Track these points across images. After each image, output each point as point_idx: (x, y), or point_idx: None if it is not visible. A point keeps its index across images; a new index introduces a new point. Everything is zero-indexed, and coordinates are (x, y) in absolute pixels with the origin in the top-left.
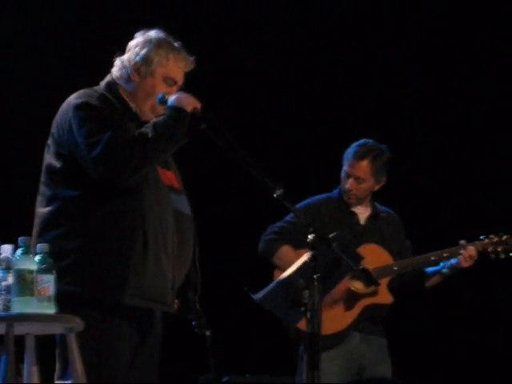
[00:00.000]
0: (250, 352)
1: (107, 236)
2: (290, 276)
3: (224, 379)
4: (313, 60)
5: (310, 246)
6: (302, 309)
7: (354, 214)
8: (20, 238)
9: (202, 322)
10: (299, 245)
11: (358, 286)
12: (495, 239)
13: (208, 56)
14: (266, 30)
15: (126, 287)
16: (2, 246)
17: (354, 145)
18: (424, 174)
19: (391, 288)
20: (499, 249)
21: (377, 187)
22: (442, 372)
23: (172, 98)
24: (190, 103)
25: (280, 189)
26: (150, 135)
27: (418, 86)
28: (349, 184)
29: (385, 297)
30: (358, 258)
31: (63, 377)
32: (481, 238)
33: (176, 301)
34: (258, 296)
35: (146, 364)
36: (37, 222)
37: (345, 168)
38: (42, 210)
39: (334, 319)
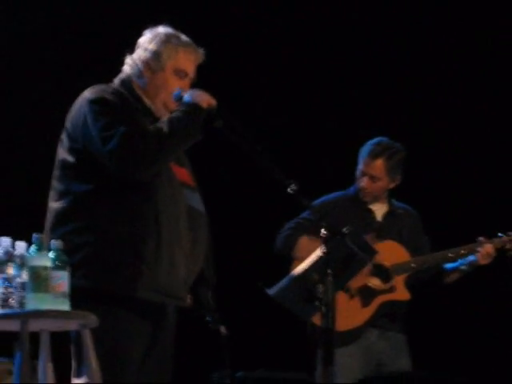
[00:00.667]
0: (264, 347)
1: (120, 230)
2: (304, 270)
3: (237, 375)
4: (328, 59)
5: (324, 241)
6: (317, 303)
7: (371, 211)
8: (34, 235)
9: (215, 317)
10: (318, 237)
11: (375, 282)
12: None
13: (220, 54)
14: (282, 31)
15: (140, 281)
16: (16, 242)
17: (369, 143)
18: (443, 171)
19: (409, 285)
20: None
21: (392, 185)
22: (461, 367)
23: (187, 95)
24: (205, 100)
25: (294, 185)
26: (165, 130)
27: (434, 82)
28: (364, 182)
29: (402, 293)
30: (372, 252)
31: (79, 374)
32: (499, 234)
33: (189, 296)
34: (272, 291)
35: (159, 358)
36: (49, 216)
37: (360, 167)
38: (54, 204)
39: (351, 315)
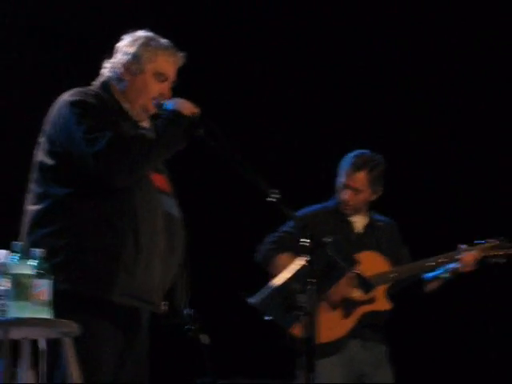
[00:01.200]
0: (246, 356)
1: (98, 234)
2: (286, 280)
3: (219, 383)
4: (309, 69)
5: (306, 250)
6: (298, 313)
7: (350, 223)
8: (15, 243)
9: (196, 326)
10: (296, 254)
11: (355, 293)
12: (495, 243)
13: (204, 60)
14: (267, 35)
15: (116, 285)
16: None
17: (350, 155)
18: (420, 180)
19: (390, 295)
20: (500, 253)
21: (374, 197)
22: (443, 378)
23: (169, 102)
24: (188, 107)
25: (277, 194)
26: (150, 137)
27: (411, 91)
28: (346, 195)
29: (382, 304)
30: (353, 262)
31: (49, 381)
32: (479, 242)
33: (164, 303)
34: (253, 300)
35: (135, 364)
36: (26, 219)
37: (341, 179)
38: (32, 207)
39: (333, 327)
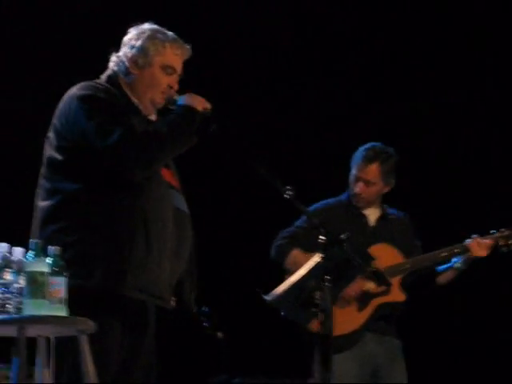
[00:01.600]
0: (262, 353)
1: (109, 229)
2: (302, 277)
3: (235, 381)
4: (320, 65)
5: (322, 247)
6: (314, 309)
7: (364, 216)
8: (31, 241)
9: (213, 323)
10: (310, 249)
11: (369, 285)
12: (506, 232)
13: (215, 58)
14: (276, 34)
15: (128, 279)
16: (14, 248)
17: (362, 148)
18: (433, 173)
19: (404, 286)
20: (510, 241)
21: (386, 190)
22: (456, 374)
23: (182, 97)
24: (201, 102)
25: (291, 191)
26: (164, 131)
27: (420, 85)
28: (358, 188)
29: (397, 295)
30: (369, 259)
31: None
32: (491, 232)
33: (173, 299)
34: (269, 297)
35: (143, 362)
36: (37, 215)
37: (354, 172)
38: (42, 203)
39: (347, 320)
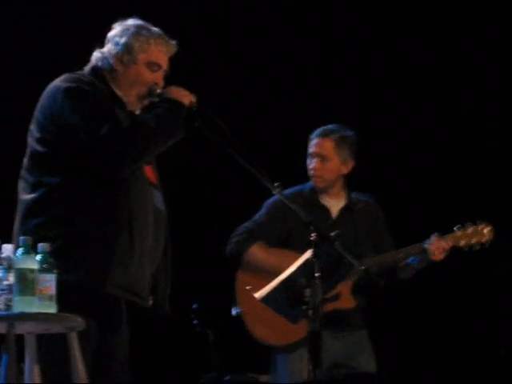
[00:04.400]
0: (251, 351)
1: (92, 224)
2: (291, 274)
3: (225, 378)
4: (304, 62)
5: (312, 245)
6: (303, 307)
7: (325, 208)
8: (21, 238)
9: (202, 321)
10: (270, 244)
11: None
12: (470, 229)
13: (204, 53)
14: (268, 35)
15: (110, 276)
16: (3, 245)
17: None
18: (396, 168)
19: (356, 291)
20: (473, 241)
21: (343, 169)
22: (425, 365)
23: (167, 91)
24: (186, 96)
25: (279, 187)
26: (151, 126)
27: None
28: (314, 164)
29: (346, 301)
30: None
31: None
32: (454, 228)
33: (150, 297)
34: (259, 294)
35: (118, 358)
36: (20, 209)
37: (309, 150)
38: (25, 196)
39: (295, 327)
